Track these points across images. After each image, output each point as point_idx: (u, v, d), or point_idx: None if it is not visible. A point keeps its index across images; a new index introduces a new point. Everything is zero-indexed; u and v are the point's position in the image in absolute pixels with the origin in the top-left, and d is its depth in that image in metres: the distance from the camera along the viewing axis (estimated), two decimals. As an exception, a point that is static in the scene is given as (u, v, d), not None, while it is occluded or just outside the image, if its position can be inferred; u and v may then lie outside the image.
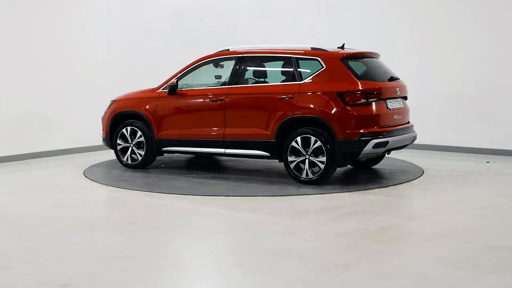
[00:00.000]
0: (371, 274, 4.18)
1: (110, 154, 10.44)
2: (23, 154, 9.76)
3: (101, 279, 4.14)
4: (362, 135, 7.14)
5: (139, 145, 8.71)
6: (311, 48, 7.78)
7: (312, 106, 7.38)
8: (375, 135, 7.22)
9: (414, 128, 8.30)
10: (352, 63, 7.57)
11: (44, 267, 4.40)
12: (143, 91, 9.01)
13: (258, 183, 7.69)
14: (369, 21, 11.44)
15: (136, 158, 8.74)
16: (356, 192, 7.09)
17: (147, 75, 11.60)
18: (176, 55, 11.65)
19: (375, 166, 8.73)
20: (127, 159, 8.84)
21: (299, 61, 7.70)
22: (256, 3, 12.25)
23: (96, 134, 11.07)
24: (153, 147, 8.59)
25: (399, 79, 8.06)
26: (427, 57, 10.79)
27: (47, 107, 10.15)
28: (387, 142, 7.30)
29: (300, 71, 7.64)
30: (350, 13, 11.67)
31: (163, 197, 6.95)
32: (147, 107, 8.66)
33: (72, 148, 10.59)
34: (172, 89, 8.42)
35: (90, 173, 8.44)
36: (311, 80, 7.49)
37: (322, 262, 4.48)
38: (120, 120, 8.93)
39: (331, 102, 7.26)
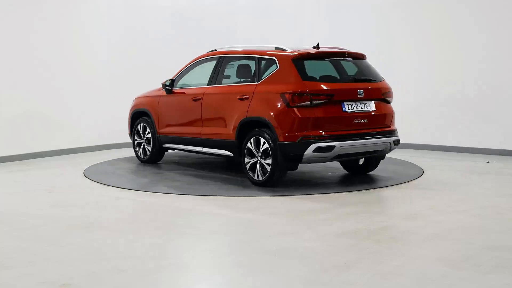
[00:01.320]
0: (371, 274, 4.18)
1: (110, 154, 10.46)
2: (23, 154, 9.77)
3: (101, 279, 4.14)
4: (303, 138, 6.88)
5: (149, 141, 9.25)
6: (275, 48, 7.64)
7: (260, 107, 7.29)
8: (318, 138, 6.90)
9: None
10: (310, 63, 7.35)
11: (44, 267, 4.40)
12: (155, 90, 9.41)
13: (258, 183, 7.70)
14: (369, 21, 11.44)
15: (147, 154, 9.34)
16: (356, 192, 7.09)
17: (147, 75, 11.61)
18: (176, 55, 11.65)
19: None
20: (140, 154, 9.46)
21: (261, 62, 7.61)
22: (256, 3, 12.25)
23: (96, 134, 11.09)
24: (156, 143, 9.10)
25: (375, 80, 7.59)
26: (427, 57, 10.80)
27: (47, 107, 10.15)
28: (332, 146, 6.91)
29: (259, 72, 7.58)
30: (350, 13, 11.68)
31: (163, 197, 6.94)
32: (152, 105, 9.19)
33: (72, 148, 10.59)
34: (169, 88, 8.83)
35: (90, 173, 8.44)
36: (264, 81, 7.42)
37: (322, 262, 4.48)
38: (137, 117, 9.55)
39: (275, 104, 7.10)
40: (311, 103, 6.94)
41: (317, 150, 6.89)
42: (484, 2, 10.15)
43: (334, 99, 7.05)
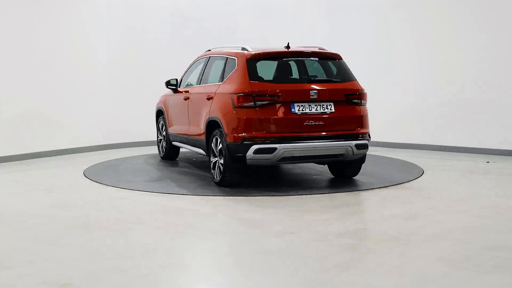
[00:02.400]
0: (371, 274, 4.18)
1: (110, 154, 10.46)
2: (23, 154, 9.77)
3: (101, 279, 4.14)
4: (245, 139, 6.85)
5: (166, 138, 9.70)
6: (241, 48, 7.61)
7: (217, 108, 7.34)
8: (260, 140, 6.81)
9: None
10: (264, 64, 7.35)
11: (44, 267, 4.40)
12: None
13: (258, 183, 7.70)
14: (369, 21, 11.44)
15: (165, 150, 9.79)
16: (356, 192, 7.09)
17: (147, 75, 11.61)
18: (176, 55, 11.65)
19: (372, 168, 8.74)
20: (159, 150, 9.99)
21: (227, 62, 7.62)
22: (256, 3, 12.25)
23: (96, 134, 11.09)
24: (167, 141, 9.50)
25: (339, 81, 7.36)
26: (427, 57, 10.80)
27: (47, 107, 10.15)
28: (274, 149, 6.77)
29: (224, 72, 7.61)
30: (350, 13, 11.68)
31: (163, 197, 6.94)
32: (165, 104, 9.56)
33: (72, 148, 10.59)
34: (173, 88, 9.09)
35: (90, 173, 8.44)
36: (224, 81, 7.45)
37: (322, 262, 4.48)
38: (158, 115, 9.98)
39: (226, 105, 7.13)
40: (254, 104, 6.87)
41: (257, 151, 6.81)
42: (484, 2, 10.15)
43: (282, 100, 6.90)
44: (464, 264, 4.37)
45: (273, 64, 7.43)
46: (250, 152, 6.82)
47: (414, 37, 10.97)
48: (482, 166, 9.02)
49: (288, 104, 6.93)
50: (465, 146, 10.41)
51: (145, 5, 11.81)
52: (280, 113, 6.92)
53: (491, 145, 10.12)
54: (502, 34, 9.95)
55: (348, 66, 7.72)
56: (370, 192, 7.10)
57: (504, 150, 9.97)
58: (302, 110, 6.95)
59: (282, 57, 7.40)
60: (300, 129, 6.95)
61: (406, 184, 7.60)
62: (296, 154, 6.93)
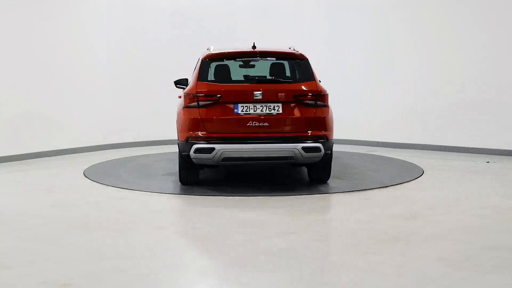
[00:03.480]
0: (371, 274, 4.18)
1: (110, 154, 10.46)
2: (23, 154, 9.77)
3: (101, 279, 4.14)
4: (188, 138, 6.93)
5: None
6: (207, 48, 7.70)
7: (177, 108, 7.53)
8: (201, 139, 6.86)
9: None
10: (218, 64, 7.39)
11: (44, 267, 4.39)
12: None
13: (258, 183, 7.70)
14: (369, 21, 11.45)
15: None
16: (356, 192, 7.09)
17: (147, 75, 11.62)
18: (176, 55, 11.66)
19: (372, 168, 8.73)
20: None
21: (198, 63, 7.65)
22: (256, 3, 12.25)
23: (96, 134, 11.10)
24: None
25: (291, 81, 7.35)
26: (427, 57, 10.80)
27: (47, 107, 10.15)
28: (212, 149, 6.77)
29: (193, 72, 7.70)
30: (350, 13, 11.68)
31: (163, 197, 6.94)
32: None
33: (72, 148, 10.60)
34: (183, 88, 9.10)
35: (90, 173, 8.44)
36: (190, 82, 7.50)
37: (322, 262, 4.48)
38: None
39: (180, 105, 7.34)
40: (198, 104, 6.94)
41: (197, 151, 6.85)
42: (484, 2, 10.16)
43: (226, 101, 6.92)
44: (464, 264, 4.37)
45: (226, 65, 7.49)
46: (192, 151, 6.88)
47: (414, 37, 10.97)
48: (482, 166, 9.02)
49: (232, 105, 6.92)
50: (465, 146, 10.42)
51: (145, 5, 11.82)
52: (223, 114, 6.92)
53: (491, 145, 10.12)
54: (502, 34, 9.95)
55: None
56: (370, 192, 7.10)
57: (504, 150, 9.98)
58: (246, 111, 6.89)
59: (237, 58, 7.54)
60: (243, 130, 6.88)
61: (406, 184, 7.60)
62: (237, 155, 6.86)
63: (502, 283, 4.02)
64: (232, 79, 7.57)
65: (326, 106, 7.10)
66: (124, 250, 4.86)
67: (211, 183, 7.64)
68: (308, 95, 6.99)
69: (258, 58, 7.63)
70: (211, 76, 7.34)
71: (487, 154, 10.03)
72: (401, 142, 11.22)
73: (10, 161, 9.49)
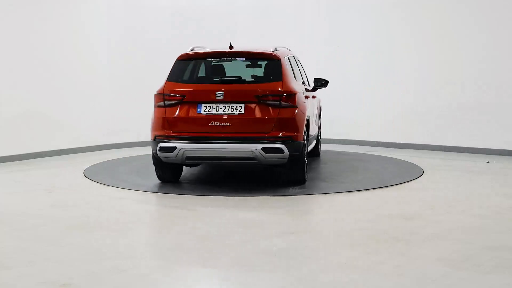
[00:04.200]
0: (371, 274, 4.18)
1: (110, 154, 10.46)
2: (23, 154, 9.76)
3: (101, 279, 4.14)
4: (156, 137, 7.11)
5: None
6: (190, 49, 7.74)
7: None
8: (165, 138, 7.01)
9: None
10: (189, 64, 7.49)
11: (44, 267, 4.39)
12: None
13: (258, 183, 7.70)
14: (369, 21, 11.45)
15: None
16: (356, 192, 7.09)
17: (147, 75, 11.59)
18: (176, 55, 11.61)
19: (372, 168, 8.73)
20: None
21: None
22: (256, 3, 12.25)
23: (96, 134, 11.09)
24: None
25: (255, 82, 7.41)
26: (427, 57, 10.80)
27: (47, 107, 10.14)
28: (174, 147, 6.89)
29: None
30: (350, 13, 11.68)
31: (163, 197, 6.94)
32: None
33: (72, 148, 10.59)
34: None
35: (90, 173, 8.44)
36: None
37: (322, 262, 4.48)
38: None
39: (154, 104, 7.37)
40: (164, 103, 7.09)
41: (161, 149, 7.01)
42: (484, 2, 10.16)
43: (189, 100, 7.01)
44: (464, 264, 4.37)
45: (197, 65, 7.59)
46: (157, 150, 7.03)
47: (414, 37, 10.97)
48: (482, 166, 9.02)
49: (195, 105, 7.00)
50: (465, 146, 10.42)
51: (145, 5, 11.81)
52: (186, 113, 7.04)
53: (491, 145, 10.12)
54: (502, 34, 9.95)
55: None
56: (370, 192, 7.10)
57: (504, 150, 9.98)
58: (208, 111, 6.94)
59: (209, 58, 7.60)
60: (206, 129, 6.94)
61: (406, 184, 7.60)
62: (199, 154, 6.98)
63: (502, 283, 4.02)
64: (200, 80, 7.64)
65: (294, 106, 6.99)
66: (124, 250, 4.86)
67: (211, 183, 7.64)
68: (270, 95, 6.92)
69: (231, 59, 7.68)
70: (186, 76, 7.43)
71: (487, 154, 10.03)
72: (401, 142, 11.22)
73: (10, 161, 9.48)
